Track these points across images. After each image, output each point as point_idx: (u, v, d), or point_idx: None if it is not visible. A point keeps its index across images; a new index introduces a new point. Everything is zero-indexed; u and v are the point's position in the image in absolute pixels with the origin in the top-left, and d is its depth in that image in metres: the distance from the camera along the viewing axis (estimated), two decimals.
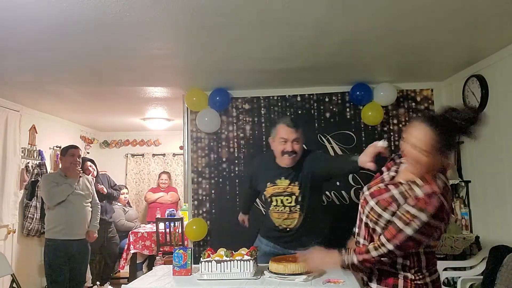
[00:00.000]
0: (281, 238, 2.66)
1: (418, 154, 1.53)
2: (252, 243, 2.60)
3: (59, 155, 3.93)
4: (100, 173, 4.97)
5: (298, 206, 2.54)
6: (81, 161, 3.88)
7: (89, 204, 3.83)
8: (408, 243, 1.47)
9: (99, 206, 3.99)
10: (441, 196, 1.47)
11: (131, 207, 6.01)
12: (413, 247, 1.50)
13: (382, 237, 1.53)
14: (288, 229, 2.60)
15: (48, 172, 4.79)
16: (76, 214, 3.67)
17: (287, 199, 2.55)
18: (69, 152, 3.73)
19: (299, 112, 3.94)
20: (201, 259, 2.37)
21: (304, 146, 2.58)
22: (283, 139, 2.44)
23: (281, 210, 2.58)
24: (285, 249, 2.61)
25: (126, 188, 6.09)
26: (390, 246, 1.49)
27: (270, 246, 2.69)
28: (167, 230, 4.86)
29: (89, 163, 4.85)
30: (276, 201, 2.58)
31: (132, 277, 4.78)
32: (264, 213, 2.90)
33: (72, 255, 3.64)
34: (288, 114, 3.94)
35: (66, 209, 3.60)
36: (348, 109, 3.92)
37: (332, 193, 3.80)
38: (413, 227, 1.45)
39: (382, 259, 1.52)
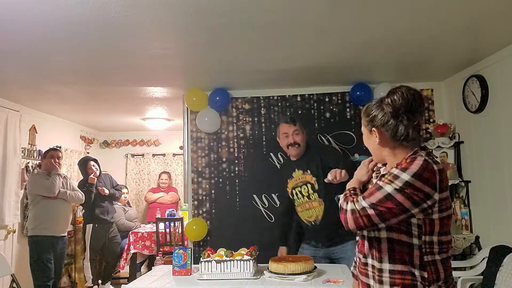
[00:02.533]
0: (313, 235, 2.82)
1: (365, 139, 1.52)
2: (252, 244, 2.59)
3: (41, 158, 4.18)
4: (102, 173, 4.97)
5: (316, 194, 2.74)
6: (61, 163, 4.07)
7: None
8: (386, 203, 1.27)
9: (80, 192, 4.15)
10: (429, 159, 1.34)
11: (130, 206, 6.01)
12: (392, 213, 1.28)
13: (360, 196, 1.36)
14: (313, 223, 2.77)
15: None
16: (59, 210, 3.84)
17: (304, 188, 2.79)
18: (48, 154, 3.98)
19: (299, 112, 3.94)
20: (201, 259, 2.38)
21: (307, 143, 2.91)
22: (285, 134, 2.82)
23: (302, 202, 2.81)
24: (321, 244, 2.78)
25: (126, 188, 6.10)
26: (364, 203, 1.30)
27: (310, 250, 2.82)
28: (167, 230, 4.85)
29: (92, 162, 4.84)
30: (296, 194, 2.83)
31: (132, 277, 4.78)
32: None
33: (56, 252, 3.80)
34: (288, 113, 3.95)
35: (49, 206, 3.77)
36: (348, 109, 3.92)
37: None
38: (393, 185, 1.29)
39: (353, 216, 1.31)
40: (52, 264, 3.74)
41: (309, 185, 2.78)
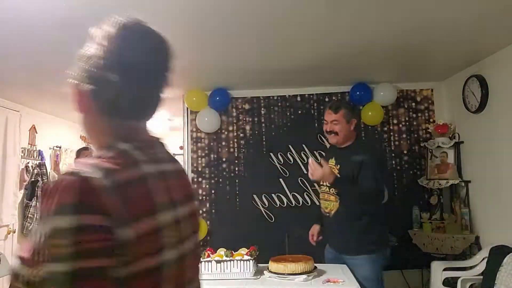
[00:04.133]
0: (326, 224, 2.72)
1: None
2: (252, 243, 2.59)
3: (74, 157, 4.01)
4: None
5: (336, 190, 2.59)
6: None
7: None
8: None
9: None
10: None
11: None
12: None
13: None
14: (327, 213, 2.67)
15: (48, 172, 4.80)
16: None
17: None
18: (82, 154, 3.81)
19: (299, 112, 3.94)
20: (201, 259, 2.37)
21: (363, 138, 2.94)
22: (325, 121, 2.72)
23: (324, 190, 2.70)
24: (334, 247, 2.65)
25: None
26: None
27: (330, 252, 2.70)
28: None
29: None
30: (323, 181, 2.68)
31: None
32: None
33: None
34: (288, 114, 3.95)
35: None
36: None
37: None
38: None
39: None
40: None
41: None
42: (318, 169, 2.44)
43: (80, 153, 3.81)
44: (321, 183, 2.70)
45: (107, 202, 0.64)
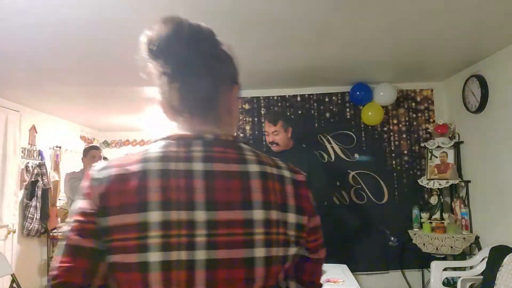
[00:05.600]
0: None
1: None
2: None
3: (82, 156, 3.90)
4: None
5: None
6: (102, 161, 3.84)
7: None
8: None
9: None
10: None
11: None
12: None
13: None
14: None
15: (48, 172, 4.80)
16: None
17: None
18: (90, 153, 3.72)
19: (299, 112, 3.94)
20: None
21: (303, 145, 2.98)
22: (266, 132, 3.00)
23: None
24: None
25: None
26: None
27: None
28: None
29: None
30: None
31: None
32: None
33: None
34: (288, 114, 3.95)
35: None
36: (348, 109, 3.92)
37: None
38: None
39: None
40: None
41: None
42: None
43: (87, 152, 3.76)
44: None
45: (95, 192, 0.71)
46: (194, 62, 0.78)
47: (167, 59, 0.79)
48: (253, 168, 0.74)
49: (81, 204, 0.72)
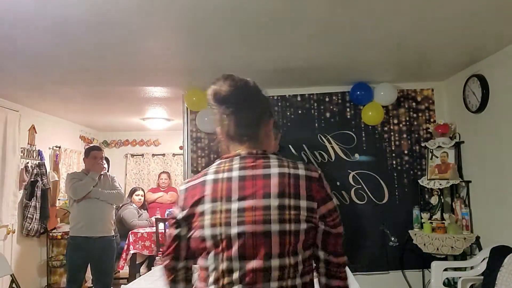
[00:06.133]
0: None
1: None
2: None
3: (83, 156, 3.88)
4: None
5: None
6: (103, 163, 3.78)
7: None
8: None
9: (120, 193, 3.85)
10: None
11: (145, 210, 5.78)
12: None
13: None
14: None
15: (48, 172, 4.80)
16: (97, 211, 3.59)
17: None
18: (91, 154, 3.71)
19: (299, 112, 3.94)
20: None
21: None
22: None
23: None
24: None
25: (142, 190, 5.91)
26: None
27: None
28: (167, 230, 4.83)
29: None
30: None
31: (131, 277, 4.77)
32: None
33: (94, 254, 3.56)
34: (288, 114, 3.94)
35: (86, 207, 3.55)
36: (348, 109, 3.91)
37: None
38: None
39: None
40: (82, 266, 3.58)
41: None
42: None
43: (89, 153, 3.75)
44: None
45: (180, 199, 1.18)
46: (244, 105, 1.16)
47: (227, 104, 1.16)
48: (274, 170, 1.10)
49: (173, 209, 1.21)
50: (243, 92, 1.17)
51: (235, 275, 1.05)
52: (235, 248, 1.05)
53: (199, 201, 1.11)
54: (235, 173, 1.11)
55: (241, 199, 1.08)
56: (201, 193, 1.12)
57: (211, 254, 1.09)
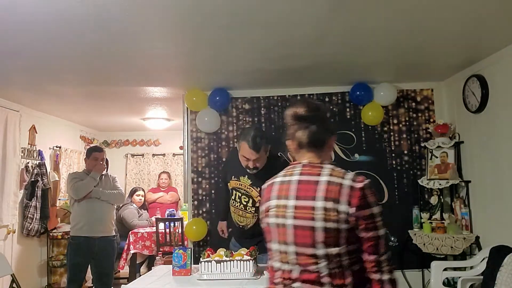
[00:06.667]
0: (241, 235, 2.86)
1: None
2: (254, 244, 2.60)
3: (84, 157, 3.88)
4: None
5: (254, 209, 2.72)
6: (104, 164, 3.79)
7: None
8: None
9: (121, 193, 3.85)
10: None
11: (145, 210, 5.80)
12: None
13: None
14: (241, 225, 2.82)
15: (48, 172, 4.80)
16: (98, 211, 3.59)
17: (244, 198, 2.76)
18: (92, 155, 3.71)
19: None
20: (201, 259, 2.37)
21: (279, 154, 3.03)
22: (245, 157, 2.61)
23: (237, 205, 2.79)
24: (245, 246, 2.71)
25: (143, 190, 5.92)
26: None
27: (237, 246, 2.81)
28: (167, 230, 4.85)
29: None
30: (235, 195, 2.80)
31: (132, 277, 4.77)
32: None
33: (95, 253, 3.56)
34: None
35: (87, 207, 3.56)
36: (348, 109, 3.92)
37: None
38: None
39: None
40: (83, 266, 3.58)
41: (251, 199, 2.72)
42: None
43: (90, 154, 3.75)
44: (234, 194, 2.81)
45: (261, 196, 1.56)
46: (316, 123, 1.44)
47: (302, 122, 1.45)
48: (323, 178, 1.37)
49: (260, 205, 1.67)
50: (315, 113, 1.46)
51: (291, 257, 1.37)
52: (289, 236, 1.37)
53: (270, 197, 1.47)
54: (295, 177, 1.42)
55: (296, 198, 1.38)
56: (272, 191, 1.47)
57: (275, 238, 1.43)
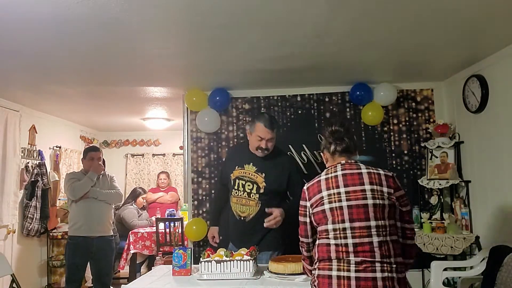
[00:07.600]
0: (241, 232, 2.81)
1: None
2: (254, 244, 2.60)
3: (81, 157, 3.88)
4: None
5: (258, 196, 2.75)
6: (101, 163, 3.78)
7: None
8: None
9: (119, 192, 3.84)
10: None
11: (145, 210, 5.80)
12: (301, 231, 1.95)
13: None
14: (243, 217, 2.79)
15: (48, 172, 4.80)
16: (95, 211, 3.59)
17: (248, 185, 2.77)
18: (88, 155, 3.71)
19: (299, 112, 3.94)
20: (201, 259, 2.37)
21: (282, 150, 3.01)
22: (259, 137, 2.72)
23: (240, 195, 2.79)
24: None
25: (145, 191, 5.93)
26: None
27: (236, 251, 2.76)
28: (167, 230, 4.85)
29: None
30: (238, 185, 2.80)
31: (132, 277, 4.77)
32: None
33: (93, 253, 3.57)
34: (288, 114, 3.94)
35: (85, 206, 3.55)
36: (348, 109, 3.92)
37: None
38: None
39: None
40: (81, 266, 3.58)
41: (255, 185, 2.76)
42: (277, 217, 2.64)
43: (86, 154, 3.75)
44: (237, 184, 2.80)
45: (305, 193, 1.92)
46: (346, 137, 1.93)
47: (337, 136, 1.93)
48: (364, 170, 1.84)
49: (301, 202, 1.93)
50: (347, 131, 1.95)
51: (348, 232, 1.72)
52: (346, 214, 1.74)
53: (321, 190, 1.82)
54: (339, 172, 1.84)
55: (345, 186, 1.79)
56: (319, 186, 1.84)
57: (330, 220, 1.77)
